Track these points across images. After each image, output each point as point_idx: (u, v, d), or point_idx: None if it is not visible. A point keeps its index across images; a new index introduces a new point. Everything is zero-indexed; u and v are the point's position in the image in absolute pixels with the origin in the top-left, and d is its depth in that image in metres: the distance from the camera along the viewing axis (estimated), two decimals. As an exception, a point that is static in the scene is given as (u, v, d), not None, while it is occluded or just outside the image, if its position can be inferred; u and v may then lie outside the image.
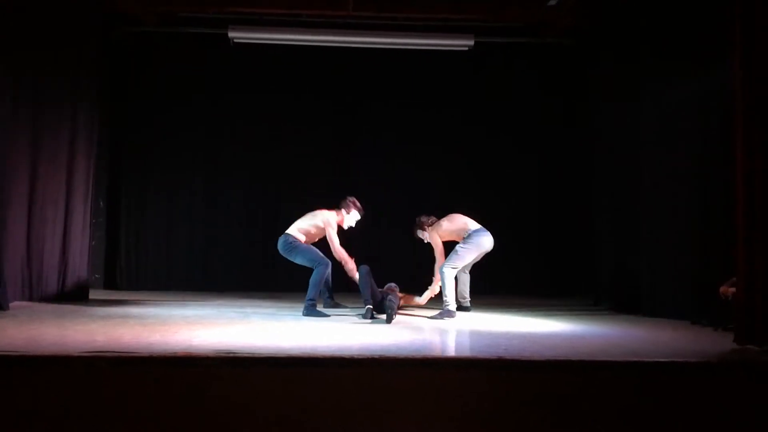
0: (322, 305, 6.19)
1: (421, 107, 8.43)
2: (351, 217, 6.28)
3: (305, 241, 6.12)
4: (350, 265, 6.06)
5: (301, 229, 6.15)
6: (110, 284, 8.09)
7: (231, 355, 3.73)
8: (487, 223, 7.07)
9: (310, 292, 5.86)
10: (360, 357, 3.74)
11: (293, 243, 6.05)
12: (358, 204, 6.30)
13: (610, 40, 7.29)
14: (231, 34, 7.75)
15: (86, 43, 6.88)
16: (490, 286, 7.44)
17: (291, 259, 6.12)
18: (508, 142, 8.53)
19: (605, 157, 7.43)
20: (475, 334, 5.06)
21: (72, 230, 6.78)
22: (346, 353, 3.88)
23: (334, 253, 6.08)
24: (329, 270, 6.16)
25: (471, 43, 7.87)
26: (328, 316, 5.78)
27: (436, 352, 4.34)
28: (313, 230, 6.15)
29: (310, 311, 5.77)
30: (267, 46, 7.98)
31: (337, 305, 6.41)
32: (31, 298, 6.41)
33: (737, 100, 4.43)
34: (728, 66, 4.64)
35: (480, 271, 7.96)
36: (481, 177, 8.43)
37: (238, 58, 8.15)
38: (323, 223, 6.12)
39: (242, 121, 8.37)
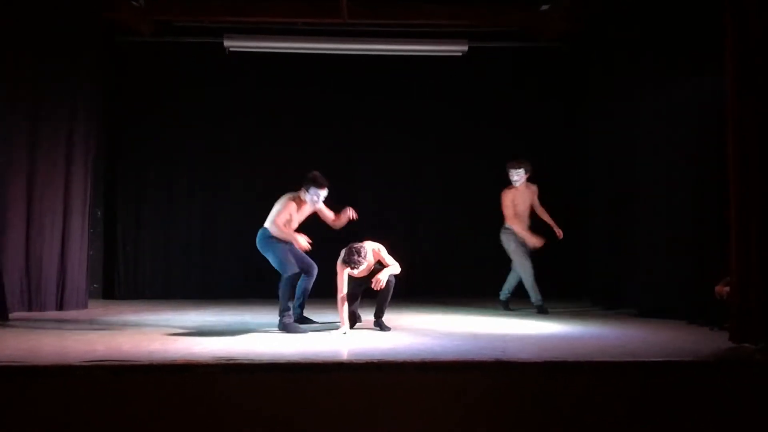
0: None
1: (417, 111, 8.44)
2: (311, 195, 5.62)
3: (281, 236, 5.50)
4: (300, 239, 5.46)
5: (271, 221, 5.57)
6: (108, 294, 8.07)
7: (231, 361, 3.76)
8: (484, 226, 7.08)
9: (281, 303, 5.38)
10: (359, 362, 3.76)
11: (268, 238, 5.55)
12: (319, 179, 5.61)
13: (605, 43, 7.32)
14: (226, 43, 7.76)
15: (83, 53, 6.90)
16: (485, 288, 7.45)
17: (265, 255, 5.62)
18: (504, 145, 8.54)
19: (601, 158, 7.46)
20: (472, 337, 5.09)
21: (70, 240, 6.78)
22: (345, 358, 3.91)
23: (278, 233, 5.50)
24: (307, 279, 5.66)
25: (465, 48, 7.90)
26: (305, 331, 5.27)
27: (435, 355, 4.36)
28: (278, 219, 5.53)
29: (284, 326, 5.29)
30: (263, 53, 8.00)
31: (305, 320, 5.69)
32: (30, 309, 6.42)
33: (730, 101, 4.48)
34: (723, 67, 4.67)
35: (476, 273, 8.01)
36: (476, 180, 8.43)
37: (235, 65, 8.17)
38: (282, 206, 5.57)
39: (240, 129, 8.36)
